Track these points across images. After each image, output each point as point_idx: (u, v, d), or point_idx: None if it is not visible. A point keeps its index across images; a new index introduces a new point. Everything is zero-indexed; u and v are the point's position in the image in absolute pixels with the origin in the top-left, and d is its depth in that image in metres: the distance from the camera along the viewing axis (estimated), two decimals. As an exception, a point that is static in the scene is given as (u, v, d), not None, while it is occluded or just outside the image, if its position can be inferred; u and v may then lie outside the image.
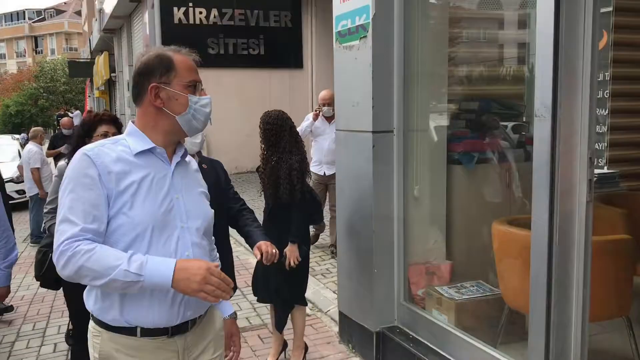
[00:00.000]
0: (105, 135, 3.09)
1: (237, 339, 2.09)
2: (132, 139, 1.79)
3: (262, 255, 2.76)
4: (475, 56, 4.63)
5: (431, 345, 3.39)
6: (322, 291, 5.30)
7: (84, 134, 3.14)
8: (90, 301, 1.78)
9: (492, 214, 3.66)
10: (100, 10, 17.54)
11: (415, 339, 3.55)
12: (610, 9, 4.73)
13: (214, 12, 12.31)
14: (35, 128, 9.43)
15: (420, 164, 3.84)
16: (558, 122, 2.36)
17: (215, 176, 3.23)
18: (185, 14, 12.17)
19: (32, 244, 8.16)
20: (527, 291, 2.61)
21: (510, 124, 4.30)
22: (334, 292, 5.04)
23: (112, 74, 20.99)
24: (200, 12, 12.26)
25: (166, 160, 1.81)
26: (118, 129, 3.22)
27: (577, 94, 2.35)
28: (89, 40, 25.72)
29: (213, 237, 2.07)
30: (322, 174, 6.10)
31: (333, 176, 5.60)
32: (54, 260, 1.65)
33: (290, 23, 13.11)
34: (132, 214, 1.70)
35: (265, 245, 2.79)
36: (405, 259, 3.79)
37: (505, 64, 4.76)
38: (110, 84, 22.75)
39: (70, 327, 3.76)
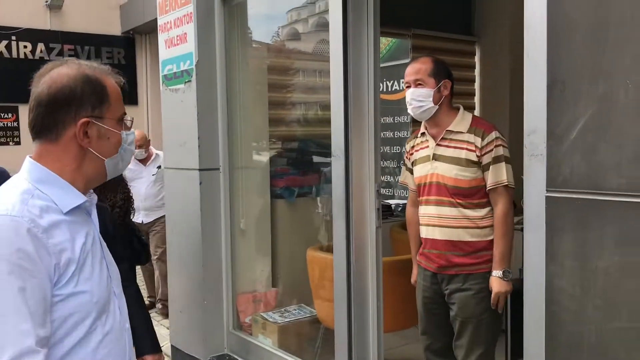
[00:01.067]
0: None
1: None
2: (52, 190, 1.35)
3: None
4: (296, 100, 5.07)
5: (257, 368, 3.66)
6: (157, 328, 5.31)
7: None
8: None
9: (310, 242, 4.05)
10: None
11: (243, 364, 3.79)
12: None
13: (41, 46, 11.72)
14: None
15: (245, 199, 4.13)
16: (350, 161, 2.80)
17: (102, 226, 2.84)
18: (8, 47, 11.46)
19: None
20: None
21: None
22: (167, 328, 5.09)
23: None
24: (25, 47, 11.61)
25: (88, 213, 1.46)
26: None
27: (364, 137, 2.81)
28: None
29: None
30: (140, 221, 5.54)
31: (153, 223, 5.48)
32: None
33: (124, 60, 12.92)
34: (88, 288, 1.34)
35: None
36: (234, 289, 4.02)
37: (322, 108, 5.27)
38: None
39: None
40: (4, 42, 11.65)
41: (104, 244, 1.52)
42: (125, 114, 1.48)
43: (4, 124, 11.61)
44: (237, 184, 4.04)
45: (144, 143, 5.64)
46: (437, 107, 2.63)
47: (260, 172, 4.27)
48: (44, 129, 1.38)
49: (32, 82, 1.40)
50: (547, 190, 1.87)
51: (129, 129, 1.49)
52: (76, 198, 1.38)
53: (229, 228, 3.96)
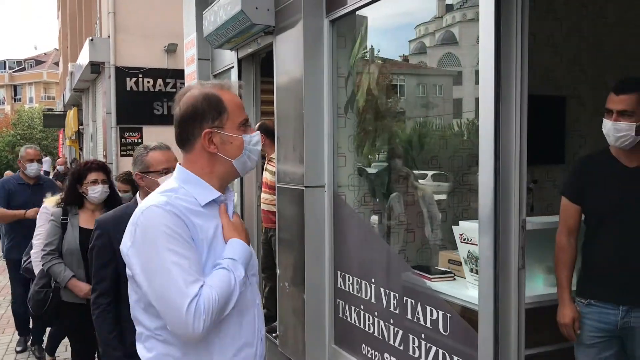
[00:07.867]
0: (95, 182, 3.01)
1: None
2: (194, 188, 1.50)
3: None
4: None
5: None
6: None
7: (75, 181, 3.05)
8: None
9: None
10: (72, 73, 19.35)
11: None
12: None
13: (159, 81, 13.67)
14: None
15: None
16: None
17: None
18: (136, 82, 13.26)
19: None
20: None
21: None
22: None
23: (80, 126, 21.37)
24: (148, 82, 13.46)
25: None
26: (107, 175, 3.10)
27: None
28: (63, 95, 27.36)
29: None
30: None
31: None
32: (195, 319, 1.39)
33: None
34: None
35: None
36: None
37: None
38: (79, 135, 23.37)
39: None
40: (134, 79, 13.65)
41: None
42: (246, 119, 1.52)
43: (131, 140, 14.14)
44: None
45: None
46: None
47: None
48: (182, 141, 1.52)
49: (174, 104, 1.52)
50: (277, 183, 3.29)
51: (251, 131, 1.53)
52: (211, 194, 1.50)
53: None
